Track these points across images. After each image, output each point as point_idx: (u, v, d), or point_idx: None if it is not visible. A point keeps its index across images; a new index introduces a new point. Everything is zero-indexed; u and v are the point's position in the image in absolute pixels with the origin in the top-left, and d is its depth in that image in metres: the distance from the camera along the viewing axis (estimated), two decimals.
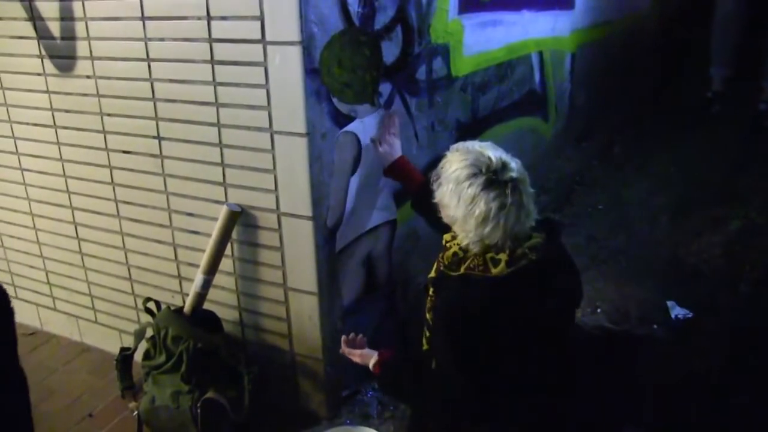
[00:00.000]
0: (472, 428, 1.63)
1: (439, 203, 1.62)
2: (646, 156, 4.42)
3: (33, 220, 2.75)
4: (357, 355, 1.84)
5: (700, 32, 4.82)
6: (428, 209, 1.83)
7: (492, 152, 1.55)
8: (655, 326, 2.72)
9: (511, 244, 1.52)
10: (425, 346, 1.76)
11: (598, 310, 2.84)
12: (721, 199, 3.65)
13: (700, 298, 2.85)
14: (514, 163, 1.55)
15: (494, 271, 1.51)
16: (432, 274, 1.72)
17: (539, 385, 1.57)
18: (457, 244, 1.61)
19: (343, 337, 1.89)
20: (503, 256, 1.51)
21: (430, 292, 1.71)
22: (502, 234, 1.50)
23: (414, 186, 2.14)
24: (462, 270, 1.58)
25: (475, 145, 1.61)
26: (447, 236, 1.67)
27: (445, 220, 1.63)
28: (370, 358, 1.80)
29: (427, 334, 1.75)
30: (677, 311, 2.77)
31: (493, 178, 1.50)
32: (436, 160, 1.68)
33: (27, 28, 2.37)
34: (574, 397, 1.68)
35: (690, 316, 2.75)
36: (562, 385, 1.63)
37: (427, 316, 1.72)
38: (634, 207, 3.78)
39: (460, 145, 1.64)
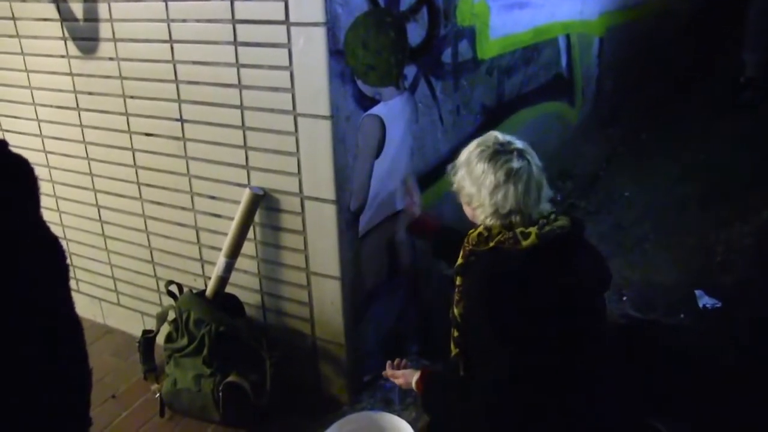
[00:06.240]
0: None
1: (456, 191, 1.66)
2: (674, 142, 4.33)
3: (56, 202, 2.76)
4: (400, 376, 1.81)
5: (733, 15, 4.69)
6: (448, 251, 1.85)
7: (499, 134, 1.63)
8: (682, 316, 2.68)
9: (536, 218, 1.54)
10: (453, 350, 1.73)
11: (624, 299, 2.80)
12: (752, 187, 3.56)
13: (728, 287, 2.80)
14: (521, 141, 1.61)
15: (524, 243, 1.51)
16: (459, 261, 1.69)
17: (573, 374, 1.54)
18: (482, 226, 1.62)
19: (388, 363, 1.88)
20: (533, 230, 1.52)
21: (458, 282, 1.68)
22: (514, 201, 1.52)
23: (433, 233, 2.17)
24: (492, 244, 1.58)
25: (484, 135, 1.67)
26: (470, 231, 1.68)
27: (463, 201, 1.65)
28: (412, 376, 1.77)
29: (455, 333, 1.71)
30: (705, 301, 2.72)
31: (499, 149, 1.56)
32: (460, 146, 1.68)
33: (50, 10, 2.37)
34: (600, 388, 1.64)
35: (718, 305, 2.70)
36: (591, 375, 1.59)
37: (455, 311, 1.69)
38: (662, 194, 3.71)
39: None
